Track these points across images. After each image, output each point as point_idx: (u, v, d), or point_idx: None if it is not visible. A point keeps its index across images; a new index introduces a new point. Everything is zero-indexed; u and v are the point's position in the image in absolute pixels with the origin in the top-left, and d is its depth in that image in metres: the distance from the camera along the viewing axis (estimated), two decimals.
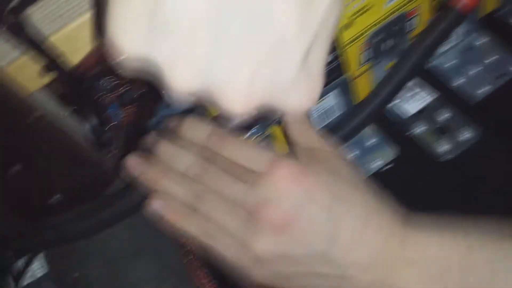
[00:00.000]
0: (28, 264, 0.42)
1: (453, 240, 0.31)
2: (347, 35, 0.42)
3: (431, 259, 0.31)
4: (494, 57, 0.48)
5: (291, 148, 0.39)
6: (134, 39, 0.22)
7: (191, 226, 0.36)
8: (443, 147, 0.45)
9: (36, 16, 0.30)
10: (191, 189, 0.35)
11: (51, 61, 0.32)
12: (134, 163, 0.37)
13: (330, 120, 0.48)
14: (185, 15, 0.21)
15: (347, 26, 0.41)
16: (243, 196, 0.34)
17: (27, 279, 0.42)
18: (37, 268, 0.42)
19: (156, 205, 0.37)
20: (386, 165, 0.46)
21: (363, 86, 0.47)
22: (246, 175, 0.34)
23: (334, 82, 0.45)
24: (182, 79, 0.23)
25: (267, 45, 0.22)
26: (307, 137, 0.38)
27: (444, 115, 0.47)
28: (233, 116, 0.25)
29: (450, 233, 0.31)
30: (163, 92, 0.24)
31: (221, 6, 0.21)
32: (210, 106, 0.25)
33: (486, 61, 0.49)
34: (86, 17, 0.32)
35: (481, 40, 0.50)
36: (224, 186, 0.34)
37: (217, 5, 0.21)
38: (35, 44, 0.31)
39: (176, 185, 0.36)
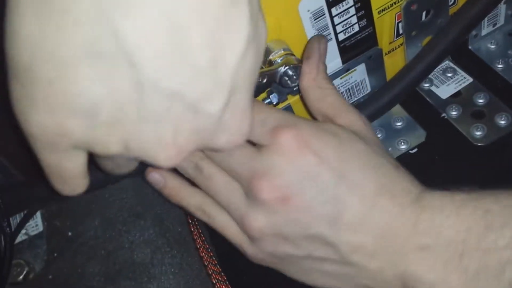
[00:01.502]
0: (23, 222, 0.41)
1: (471, 219, 0.28)
2: (381, 1, 0.39)
3: (447, 244, 0.28)
4: None
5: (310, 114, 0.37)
6: (64, 129, 0.23)
7: (188, 202, 0.35)
8: (478, 132, 0.42)
9: None
10: (191, 156, 0.33)
11: None
12: None
13: (356, 98, 0.45)
14: (107, 99, 0.22)
15: None
16: (241, 167, 0.31)
17: (21, 237, 0.40)
18: (32, 226, 0.41)
19: (153, 178, 0.35)
20: (415, 147, 0.43)
21: (395, 63, 0.45)
22: (249, 145, 0.32)
23: (363, 54, 0.42)
24: (110, 149, 0.24)
25: (183, 110, 0.23)
26: (326, 102, 0.35)
27: (481, 100, 0.44)
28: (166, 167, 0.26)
29: (468, 212, 0.28)
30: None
31: (142, 85, 0.22)
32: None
33: None
34: None
35: None
36: (225, 156, 0.32)
37: (131, 94, 0.22)
38: None
39: None
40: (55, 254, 0.38)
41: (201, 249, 0.39)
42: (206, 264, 0.39)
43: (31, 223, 0.41)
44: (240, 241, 0.33)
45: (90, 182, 0.38)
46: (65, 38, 0.20)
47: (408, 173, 0.32)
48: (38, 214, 0.41)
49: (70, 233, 0.38)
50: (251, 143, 0.33)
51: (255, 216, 0.31)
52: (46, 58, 0.21)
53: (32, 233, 0.40)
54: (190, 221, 0.41)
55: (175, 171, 0.36)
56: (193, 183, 0.35)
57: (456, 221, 0.28)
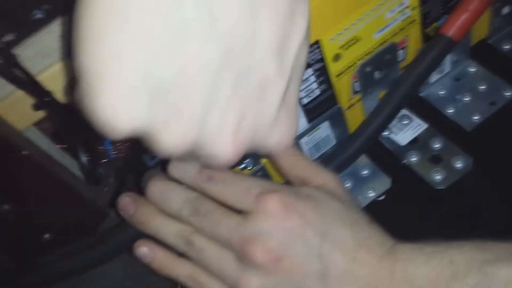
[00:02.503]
0: None
1: (439, 269, 0.31)
2: (337, 67, 0.43)
3: None
4: (485, 86, 0.50)
5: (284, 179, 0.39)
6: (129, 112, 0.23)
7: (178, 273, 0.37)
8: (437, 176, 0.46)
9: (27, 52, 0.31)
10: (181, 232, 0.36)
11: (40, 99, 0.33)
12: (125, 204, 0.38)
13: (322, 151, 0.48)
14: (182, 75, 0.22)
15: (336, 57, 0.42)
16: (231, 235, 0.34)
17: None
18: None
19: (141, 252, 0.38)
20: (381, 195, 0.47)
21: (356, 116, 0.48)
22: (235, 214, 0.35)
23: (325, 113, 0.45)
24: (173, 139, 0.24)
25: (250, 92, 0.25)
26: (298, 167, 0.39)
27: (437, 144, 0.48)
28: (220, 166, 0.26)
29: (436, 262, 0.32)
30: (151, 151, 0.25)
31: (215, 62, 0.23)
32: (197, 159, 0.27)
33: (477, 90, 0.50)
34: None
35: (472, 69, 0.51)
36: (214, 227, 0.35)
37: (212, 62, 0.23)
38: (23, 83, 0.31)
39: (165, 229, 0.36)
40: None
41: None
42: None
43: None
44: None
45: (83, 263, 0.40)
46: None
47: (379, 226, 0.35)
48: None
49: None
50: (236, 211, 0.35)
51: (249, 280, 0.33)
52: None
53: None
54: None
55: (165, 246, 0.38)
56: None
57: (426, 271, 0.32)
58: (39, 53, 0.31)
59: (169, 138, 0.24)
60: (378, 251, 0.33)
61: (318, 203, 0.35)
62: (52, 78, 0.32)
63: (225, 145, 0.25)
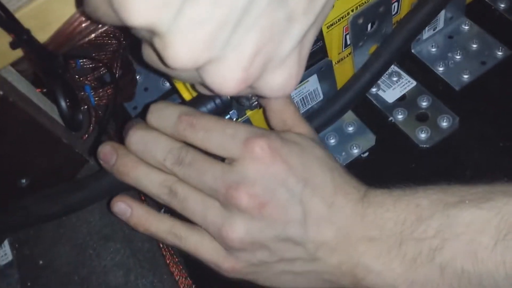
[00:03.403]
0: None
1: (405, 212, 0.33)
2: (329, 17, 0.42)
3: (388, 234, 0.33)
4: (477, 44, 0.50)
5: (269, 126, 0.40)
6: (152, 7, 0.23)
7: (157, 228, 0.37)
8: (422, 134, 0.47)
9: None
10: (164, 181, 0.36)
11: (18, 37, 0.32)
12: (105, 153, 0.38)
13: (310, 105, 0.48)
14: None
15: None
16: (216, 182, 0.34)
17: None
18: (1, 255, 0.42)
19: (118, 208, 0.38)
20: (366, 151, 0.47)
21: (345, 71, 0.48)
22: (220, 162, 0.35)
23: (315, 66, 0.45)
24: (193, 46, 0.25)
25: (277, 20, 0.26)
26: (286, 112, 0.39)
27: (424, 102, 0.48)
28: (221, 94, 0.28)
29: (403, 206, 0.33)
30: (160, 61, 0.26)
31: None
32: (200, 82, 0.28)
33: (470, 48, 0.50)
34: None
35: (466, 26, 0.51)
36: (199, 175, 0.35)
37: None
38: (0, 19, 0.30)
39: (147, 179, 0.36)
40: (29, 283, 0.40)
41: (170, 263, 0.42)
42: (177, 279, 0.42)
43: (0, 252, 0.42)
44: (216, 257, 0.36)
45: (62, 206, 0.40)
46: None
47: (361, 182, 0.37)
48: (6, 242, 0.42)
49: (41, 261, 0.40)
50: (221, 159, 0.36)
51: (234, 226, 0.34)
52: None
53: (2, 263, 0.41)
54: None
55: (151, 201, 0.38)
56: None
57: (393, 214, 0.33)
58: None
59: (189, 44, 0.24)
60: (354, 195, 0.35)
61: (301, 149, 0.35)
62: (31, 16, 0.31)
63: (237, 67, 0.26)
